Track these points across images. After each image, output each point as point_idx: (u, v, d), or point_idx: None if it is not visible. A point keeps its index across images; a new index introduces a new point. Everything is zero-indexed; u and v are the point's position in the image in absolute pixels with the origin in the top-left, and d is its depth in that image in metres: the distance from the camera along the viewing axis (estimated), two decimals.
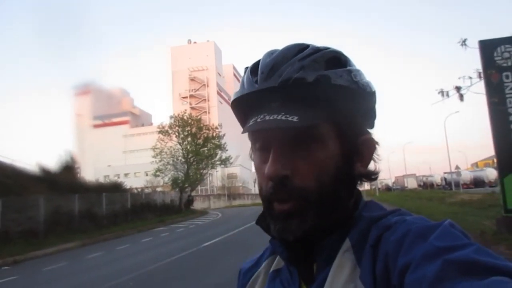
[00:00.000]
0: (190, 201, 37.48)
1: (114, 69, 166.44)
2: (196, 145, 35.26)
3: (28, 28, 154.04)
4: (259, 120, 0.60)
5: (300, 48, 0.64)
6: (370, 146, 0.67)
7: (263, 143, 0.64)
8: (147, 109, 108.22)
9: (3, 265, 11.77)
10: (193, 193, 40.62)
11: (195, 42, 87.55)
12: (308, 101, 0.61)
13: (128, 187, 29.64)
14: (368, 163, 0.67)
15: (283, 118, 0.58)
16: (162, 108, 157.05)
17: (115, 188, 25.88)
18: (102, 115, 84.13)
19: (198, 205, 41.90)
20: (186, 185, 35.91)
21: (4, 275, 10.04)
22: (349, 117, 0.64)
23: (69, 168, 26.62)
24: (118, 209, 22.92)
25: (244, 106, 0.66)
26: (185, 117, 35.89)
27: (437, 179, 52.82)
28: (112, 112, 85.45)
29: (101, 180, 30.54)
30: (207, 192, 60.96)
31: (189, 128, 35.34)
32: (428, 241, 0.49)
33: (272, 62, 0.63)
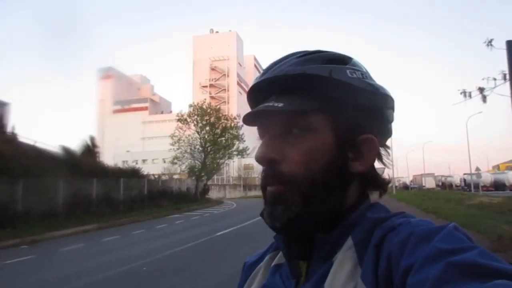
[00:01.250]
0: (206, 190, 37.78)
1: (136, 56, 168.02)
2: (214, 135, 35.41)
3: (53, 13, 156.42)
4: (255, 108, 0.66)
5: (305, 52, 0.68)
6: (371, 147, 0.66)
7: (261, 132, 0.68)
8: (167, 97, 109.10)
9: (21, 244, 12.10)
10: (209, 182, 40.92)
11: (217, 32, 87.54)
12: (298, 92, 0.64)
13: (145, 173, 30.00)
14: (369, 163, 0.66)
15: (270, 104, 0.63)
16: (182, 96, 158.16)
17: (133, 174, 26.22)
18: (122, 101, 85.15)
19: (213, 194, 42.20)
20: (203, 174, 36.18)
21: (22, 254, 10.30)
22: (345, 111, 0.64)
23: (89, 152, 27.08)
24: (135, 195, 23.26)
25: (250, 102, 0.72)
26: (204, 106, 36.01)
27: (456, 179, 52.09)
28: (131, 98, 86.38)
29: (120, 165, 30.94)
30: (223, 182, 61.27)
31: (207, 118, 35.47)
32: (431, 243, 0.48)
33: (273, 62, 0.69)
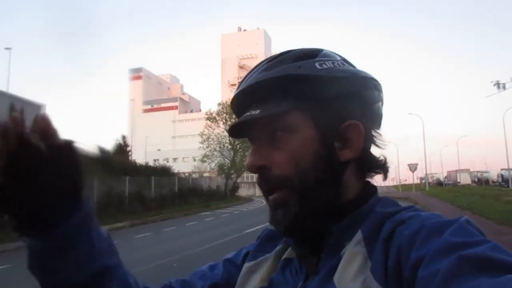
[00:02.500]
0: (236, 187, 38.02)
1: (166, 56, 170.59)
2: None
3: (85, 15, 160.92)
4: (237, 119, 0.68)
5: (274, 56, 0.69)
6: (356, 131, 0.65)
7: (250, 141, 0.69)
8: (196, 96, 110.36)
9: None
10: (239, 180, 41.14)
11: (245, 30, 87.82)
12: (272, 96, 0.65)
13: (176, 171, 30.49)
14: (358, 148, 0.65)
15: (248, 113, 0.65)
16: (211, 95, 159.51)
17: (163, 172, 26.72)
18: (152, 100, 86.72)
19: (243, 192, 42.44)
20: (232, 172, 36.43)
21: None
22: (321, 103, 0.64)
23: (121, 151, 27.75)
24: (166, 193, 23.70)
25: (235, 115, 0.74)
26: None
27: (493, 175, 50.43)
28: (161, 98, 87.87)
29: (151, 163, 31.59)
30: (252, 180, 61.43)
31: None
32: (443, 236, 0.48)
33: (248, 72, 0.70)
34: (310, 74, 0.63)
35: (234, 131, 0.69)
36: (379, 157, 0.69)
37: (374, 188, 0.69)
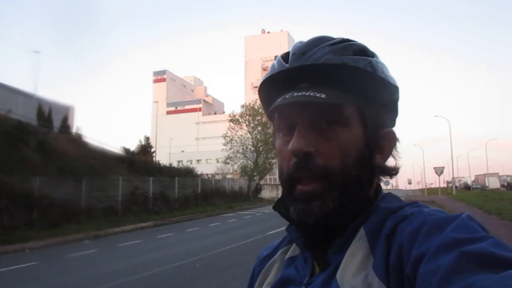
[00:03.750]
0: (258, 189, 38.01)
1: (190, 58, 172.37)
2: (266, 135, 35.54)
3: (109, 20, 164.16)
4: (287, 97, 0.62)
5: (330, 38, 0.66)
6: (391, 140, 0.67)
7: (288, 123, 0.64)
8: (220, 98, 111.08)
9: (85, 238, 12.81)
10: (262, 182, 41.12)
11: (268, 32, 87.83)
12: (336, 83, 0.62)
13: (199, 172, 30.74)
14: (387, 157, 0.68)
15: (311, 94, 0.60)
16: (235, 97, 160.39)
17: (187, 173, 27.02)
18: (176, 102, 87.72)
19: (266, 193, 42.36)
20: (255, 174, 36.44)
21: (85, 248, 10.93)
22: (373, 105, 0.65)
23: (146, 152, 28.16)
24: (189, 193, 23.92)
25: (271, 88, 0.68)
26: (255, 106, 36.25)
27: None
28: (185, 100, 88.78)
29: (175, 165, 31.95)
30: (275, 182, 61.31)
31: (259, 118, 35.67)
32: (444, 232, 0.48)
33: (303, 46, 0.65)
34: (374, 73, 0.63)
35: (284, 107, 0.63)
36: (395, 165, 0.70)
37: (379, 185, 0.69)
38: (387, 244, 0.54)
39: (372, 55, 0.66)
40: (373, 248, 0.57)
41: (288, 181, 0.63)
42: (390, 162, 0.69)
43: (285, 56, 0.67)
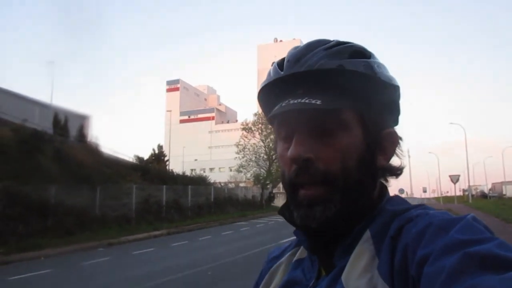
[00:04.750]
0: (271, 197, 37.91)
1: (203, 67, 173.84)
2: None
3: (123, 30, 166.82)
4: (283, 105, 0.62)
5: (326, 42, 0.66)
6: (393, 141, 0.67)
7: (287, 130, 0.64)
8: (233, 106, 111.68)
9: (99, 246, 12.91)
10: (275, 190, 41.03)
11: (281, 41, 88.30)
12: (331, 88, 0.62)
13: (212, 181, 30.82)
14: (391, 157, 0.67)
15: (307, 101, 0.60)
16: (247, 105, 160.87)
17: (200, 181, 27.11)
18: (189, 111, 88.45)
19: (279, 202, 42.18)
20: (268, 182, 36.38)
21: (99, 256, 11.00)
22: (373, 107, 0.64)
23: (159, 161, 28.35)
24: (202, 202, 23.96)
25: (269, 95, 0.68)
26: None
27: None
28: (198, 108, 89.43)
29: (188, 173, 32.12)
30: None
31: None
32: (449, 234, 0.48)
33: (298, 52, 0.65)
34: (371, 75, 0.62)
35: (280, 115, 0.64)
36: (399, 165, 0.70)
37: (386, 187, 0.69)
38: (392, 246, 0.54)
39: (370, 56, 0.65)
40: (378, 250, 0.56)
41: (290, 186, 0.63)
42: (394, 161, 0.69)
43: (281, 63, 0.67)
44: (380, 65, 0.65)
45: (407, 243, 0.52)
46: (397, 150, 0.68)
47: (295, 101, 0.61)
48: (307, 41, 0.69)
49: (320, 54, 0.63)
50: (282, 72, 0.65)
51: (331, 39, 0.68)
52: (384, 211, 0.62)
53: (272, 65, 0.69)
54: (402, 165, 0.70)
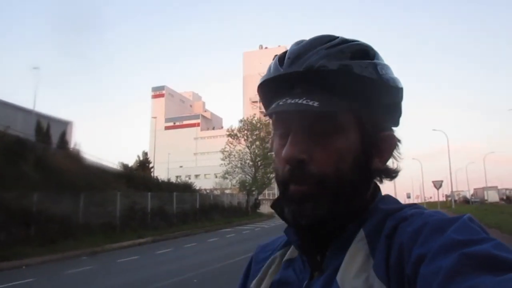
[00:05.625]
0: (257, 204, 37.87)
1: (188, 73, 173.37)
2: (264, 149, 35.60)
3: (107, 35, 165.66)
4: (280, 103, 0.61)
5: (329, 39, 0.64)
6: (390, 144, 0.66)
7: (284, 128, 0.63)
8: (218, 113, 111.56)
9: (82, 255, 12.71)
10: (260, 197, 41.01)
11: (266, 48, 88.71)
12: (330, 89, 0.61)
13: (197, 188, 30.65)
14: (387, 160, 0.66)
15: (304, 102, 0.59)
16: (233, 112, 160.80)
17: (185, 188, 26.92)
18: (174, 118, 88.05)
19: (264, 208, 42.15)
20: (254, 188, 36.37)
21: (83, 264, 10.84)
22: (373, 110, 0.63)
23: (144, 167, 28.12)
24: (187, 209, 23.78)
25: (268, 91, 0.67)
26: (254, 121, 36.40)
27: None
28: (183, 115, 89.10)
29: (173, 180, 31.90)
30: (274, 197, 61.03)
31: (257, 132, 35.81)
32: (446, 234, 0.47)
33: (299, 49, 0.63)
34: (369, 77, 0.61)
35: (278, 114, 0.64)
36: (395, 168, 0.69)
37: (378, 186, 0.68)
38: (387, 245, 0.54)
39: (374, 56, 0.64)
40: (373, 250, 0.56)
41: (282, 183, 0.63)
42: (391, 164, 0.68)
43: (282, 58, 0.66)
44: (384, 67, 0.64)
45: (402, 242, 0.52)
46: (395, 153, 0.67)
47: (292, 101, 0.59)
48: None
49: (322, 52, 0.61)
50: (281, 70, 0.63)
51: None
52: (377, 210, 0.62)
53: (273, 59, 0.68)
54: (399, 168, 0.68)
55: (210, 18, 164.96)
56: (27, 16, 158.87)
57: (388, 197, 0.67)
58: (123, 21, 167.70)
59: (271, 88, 0.66)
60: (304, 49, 0.63)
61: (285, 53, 0.66)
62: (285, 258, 0.71)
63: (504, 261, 0.41)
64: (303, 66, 0.61)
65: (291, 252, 0.71)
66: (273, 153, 0.67)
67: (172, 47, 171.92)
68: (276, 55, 0.68)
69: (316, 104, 0.58)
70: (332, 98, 0.60)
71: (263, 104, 0.71)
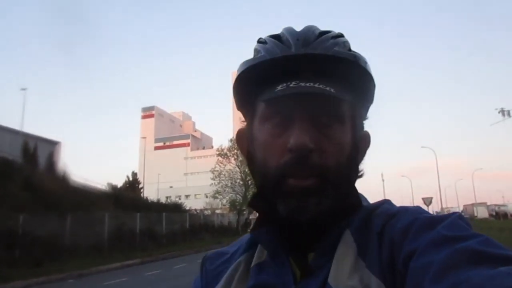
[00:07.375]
0: (248, 223, 37.57)
1: (178, 94, 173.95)
2: None
3: (96, 53, 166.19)
4: (292, 85, 0.56)
5: (325, 30, 0.63)
6: (366, 143, 0.67)
7: (281, 116, 0.58)
8: (208, 132, 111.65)
9: (69, 278, 12.39)
10: (251, 216, 40.73)
11: None
12: (338, 77, 0.59)
13: (188, 208, 30.43)
14: (362, 158, 0.66)
15: (321, 86, 0.55)
16: (223, 131, 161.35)
17: (175, 208, 26.72)
18: (164, 138, 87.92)
19: None
20: (244, 208, 36.14)
21: None
22: (364, 103, 0.64)
23: (133, 188, 27.87)
24: (177, 229, 23.50)
25: (261, 74, 0.61)
26: None
27: (511, 208, 49.10)
28: (173, 135, 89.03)
29: (163, 200, 31.66)
30: None
31: None
32: (435, 230, 0.48)
33: (306, 33, 0.61)
34: (371, 74, 0.61)
35: (284, 99, 0.57)
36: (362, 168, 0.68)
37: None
38: (379, 242, 0.54)
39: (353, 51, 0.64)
40: (360, 248, 0.56)
41: (278, 175, 0.57)
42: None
43: (280, 39, 0.62)
44: (365, 59, 0.63)
45: (392, 238, 0.52)
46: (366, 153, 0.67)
47: (307, 84, 0.56)
48: None
49: (330, 41, 0.60)
50: (293, 50, 0.59)
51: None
52: (360, 208, 0.61)
53: (261, 41, 0.64)
54: (363, 169, 0.67)
55: (200, 38, 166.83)
56: (15, 38, 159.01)
57: (361, 194, 0.67)
58: (112, 41, 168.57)
59: (268, 71, 0.60)
60: (312, 34, 0.61)
61: (278, 35, 0.63)
62: (254, 263, 0.64)
63: (494, 256, 0.42)
64: (318, 50, 0.58)
65: (258, 255, 0.65)
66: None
67: (162, 67, 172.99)
68: (261, 38, 0.65)
69: (332, 90, 0.55)
70: (339, 86, 0.57)
71: (242, 91, 0.66)
